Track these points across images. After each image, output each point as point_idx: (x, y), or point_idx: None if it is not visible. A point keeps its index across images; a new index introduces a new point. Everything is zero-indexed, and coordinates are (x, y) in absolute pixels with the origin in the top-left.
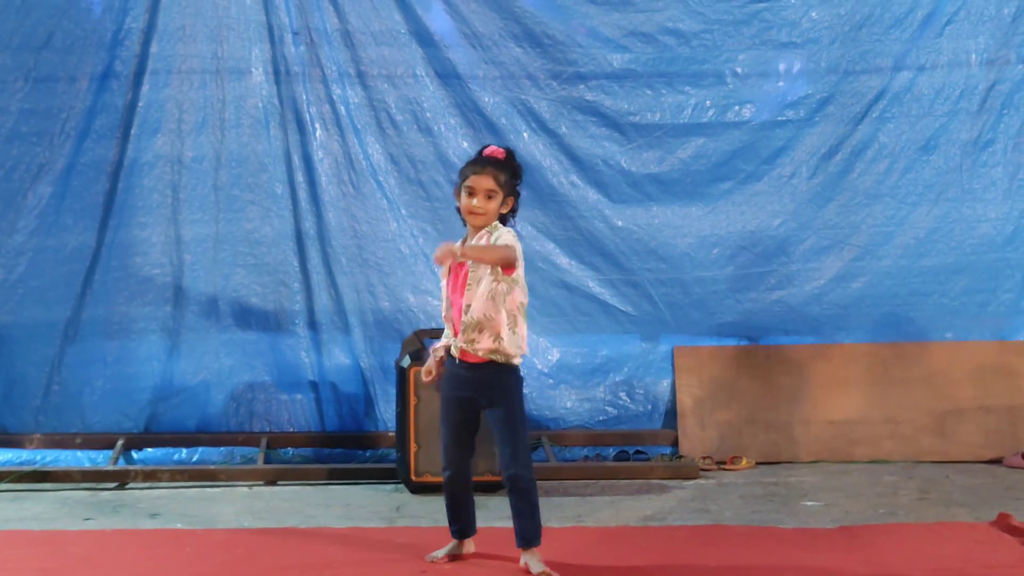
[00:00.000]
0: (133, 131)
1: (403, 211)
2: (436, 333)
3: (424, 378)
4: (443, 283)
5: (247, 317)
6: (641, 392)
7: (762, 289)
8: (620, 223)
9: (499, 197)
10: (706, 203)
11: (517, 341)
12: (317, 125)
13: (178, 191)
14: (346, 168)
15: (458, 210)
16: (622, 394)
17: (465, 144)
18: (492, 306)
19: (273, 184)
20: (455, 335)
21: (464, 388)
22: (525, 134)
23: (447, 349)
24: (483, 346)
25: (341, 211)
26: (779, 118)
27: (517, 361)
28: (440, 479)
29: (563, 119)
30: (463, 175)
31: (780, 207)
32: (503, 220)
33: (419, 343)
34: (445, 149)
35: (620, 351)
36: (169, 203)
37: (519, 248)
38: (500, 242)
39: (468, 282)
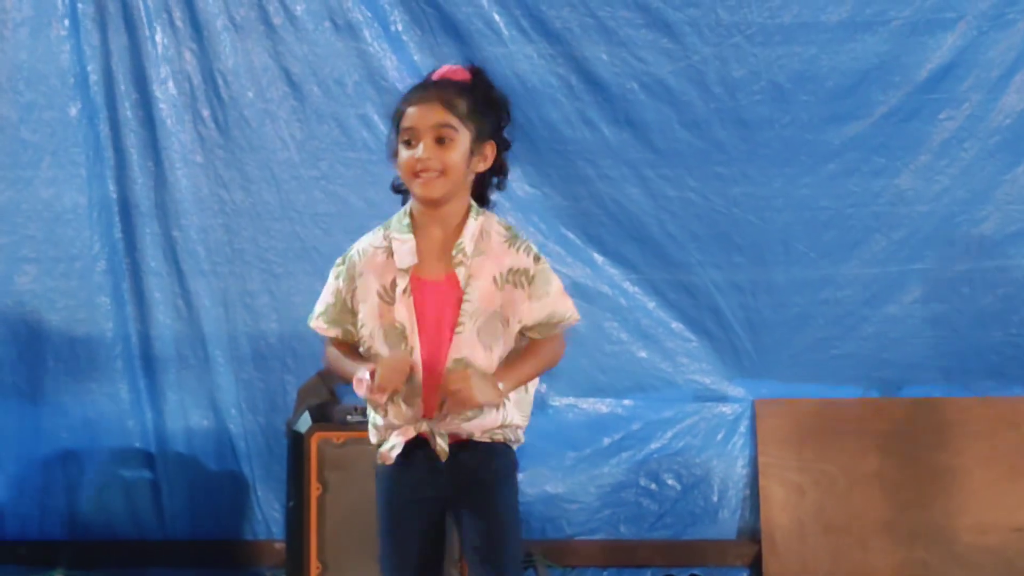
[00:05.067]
0: None
1: (305, 166)
2: None
3: (367, 392)
4: (369, 327)
5: (39, 347)
6: (698, 474)
7: (908, 301)
8: (670, 189)
9: (462, 140)
10: (815, 157)
11: (529, 401)
12: (157, 23)
13: None
14: (206, 95)
15: (396, 189)
16: (666, 477)
17: (416, 57)
18: (491, 351)
19: (85, 122)
20: (425, 414)
21: (430, 483)
22: (508, 40)
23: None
24: (483, 419)
25: (197, 169)
26: (945, 15)
27: (521, 435)
28: None
29: (576, 14)
30: (397, 114)
31: (941, 165)
32: (481, 199)
33: (327, 391)
34: (379, 61)
35: (664, 403)
36: None
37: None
38: (541, 281)
39: (461, 318)
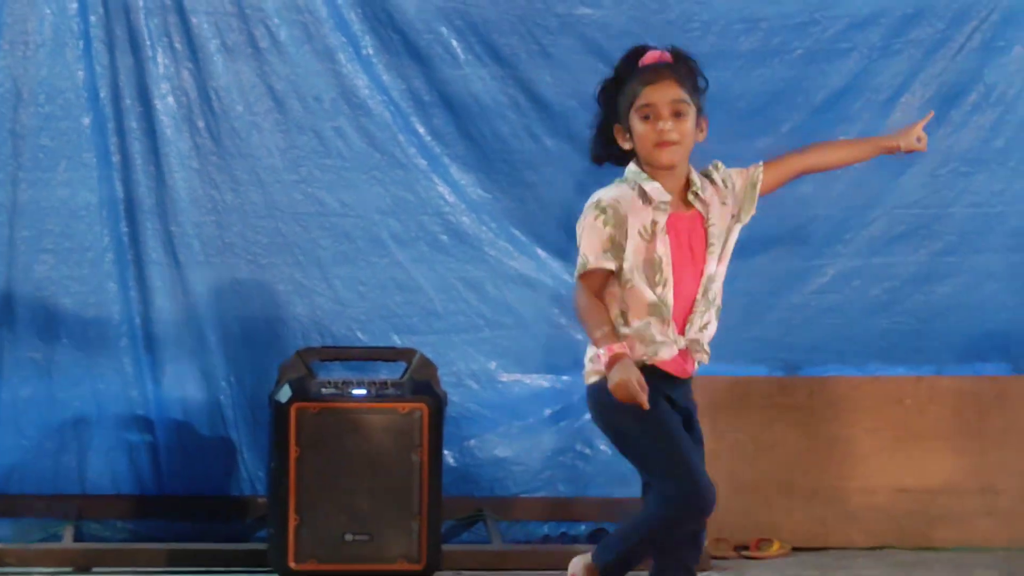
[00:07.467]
0: None
1: (287, 171)
2: (329, 353)
3: (629, 394)
4: (630, 262)
5: (55, 326)
6: None
7: (807, 292)
8: None
9: (691, 114)
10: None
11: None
12: (159, 45)
13: None
14: (201, 109)
15: (600, 159)
16: (599, 442)
17: (384, 77)
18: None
19: (96, 131)
20: (679, 331)
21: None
22: (464, 63)
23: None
24: (708, 338)
25: (193, 173)
26: (840, 45)
27: None
28: (328, 566)
29: (523, 42)
30: (628, 94)
31: (836, 175)
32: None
33: (305, 368)
34: (352, 80)
35: None
36: None
37: None
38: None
39: (710, 240)
